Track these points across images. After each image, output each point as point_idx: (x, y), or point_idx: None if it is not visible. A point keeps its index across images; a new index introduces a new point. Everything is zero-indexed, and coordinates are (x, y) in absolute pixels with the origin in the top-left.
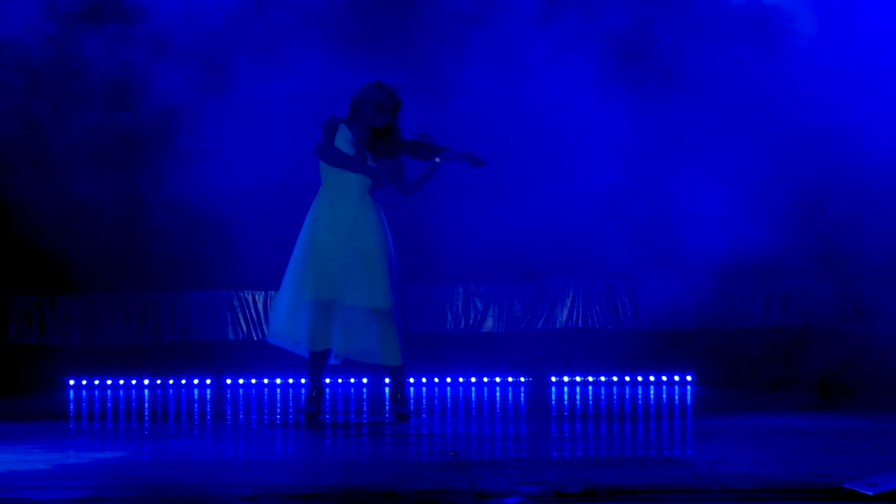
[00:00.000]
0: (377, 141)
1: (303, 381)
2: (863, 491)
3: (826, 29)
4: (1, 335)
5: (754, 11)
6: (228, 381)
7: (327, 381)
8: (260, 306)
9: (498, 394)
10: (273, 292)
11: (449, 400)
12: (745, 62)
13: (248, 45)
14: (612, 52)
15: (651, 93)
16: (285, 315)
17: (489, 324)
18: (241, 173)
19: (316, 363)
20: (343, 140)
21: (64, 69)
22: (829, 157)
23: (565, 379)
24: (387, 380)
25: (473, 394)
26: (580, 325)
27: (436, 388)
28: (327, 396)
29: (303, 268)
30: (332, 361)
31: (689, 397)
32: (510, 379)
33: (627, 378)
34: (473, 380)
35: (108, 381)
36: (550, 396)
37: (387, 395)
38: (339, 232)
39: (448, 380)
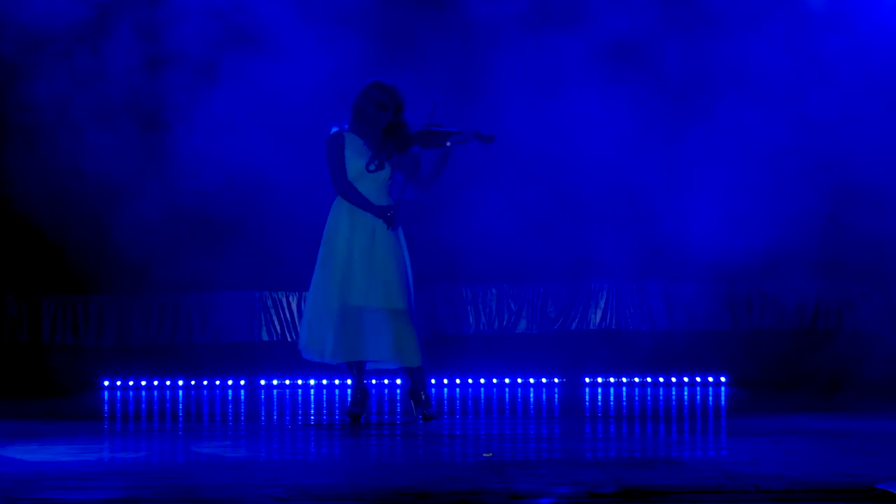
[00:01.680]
0: (387, 140)
1: (337, 381)
2: None
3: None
4: (34, 336)
5: None
6: (262, 383)
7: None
8: (294, 307)
9: (532, 395)
10: (307, 293)
11: (483, 401)
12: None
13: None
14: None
15: (678, 99)
16: (315, 327)
17: (523, 325)
18: (273, 174)
19: (354, 368)
20: (354, 149)
21: (97, 89)
22: (858, 151)
23: (599, 380)
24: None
25: (507, 395)
26: (614, 326)
27: (469, 389)
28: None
29: (327, 277)
30: (368, 367)
31: (722, 398)
32: (544, 380)
33: (661, 379)
34: (507, 381)
35: (143, 382)
36: (584, 397)
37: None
38: (357, 237)
39: (482, 381)
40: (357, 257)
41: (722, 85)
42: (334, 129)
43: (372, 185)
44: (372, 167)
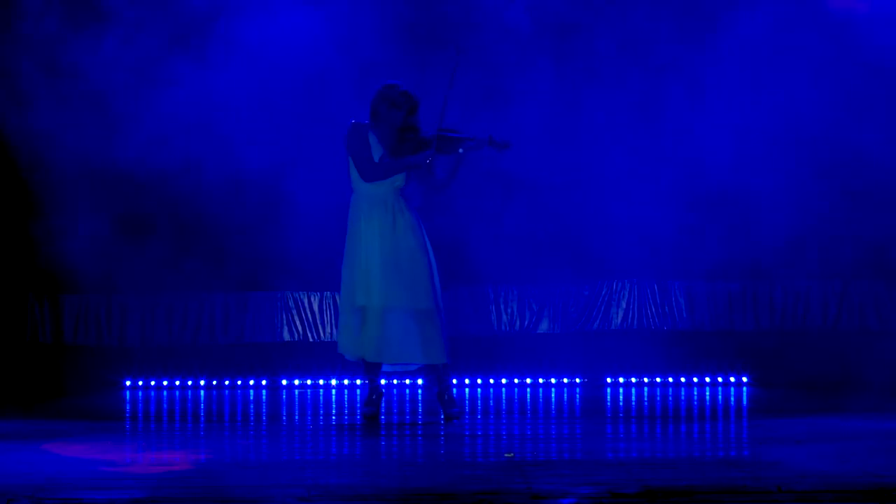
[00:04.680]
0: (402, 142)
1: (358, 382)
2: None
3: None
4: (57, 336)
5: None
6: (284, 383)
7: (383, 381)
8: (315, 307)
9: (553, 395)
10: (329, 293)
11: (504, 401)
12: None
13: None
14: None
15: (691, 94)
16: (344, 327)
17: (545, 325)
18: (294, 173)
19: (370, 366)
20: (371, 146)
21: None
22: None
23: (621, 380)
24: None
25: (529, 395)
26: (635, 326)
27: (491, 390)
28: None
29: (350, 278)
30: (386, 368)
31: (745, 399)
32: (565, 380)
33: (683, 379)
34: (529, 381)
35: (165, 383)
36: (606, 398)
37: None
38: (377, 237)
39: (503, 381)
40: (379, 256)
41: (736, 78)
42: (354, 122)
43: (388, 187)
44: (387, 161)
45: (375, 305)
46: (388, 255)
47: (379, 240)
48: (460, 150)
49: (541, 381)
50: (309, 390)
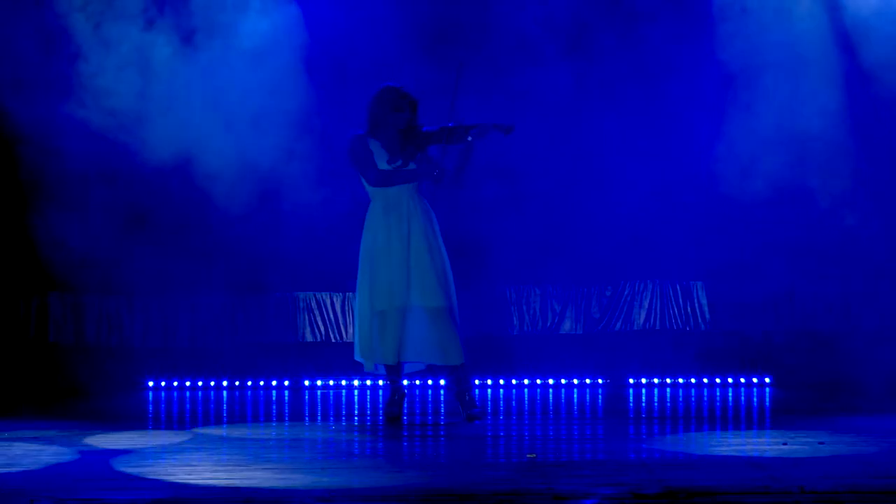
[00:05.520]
0: (406, 141)
1: (380, 382)
2: None
3: None
4: (79, 337)
5: None
6: (306, 383)
7: (405, 382)
8: (338, 308)
9: (575, 395)
10: (351, 294)
11: (526, 402)
12: None
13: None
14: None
15: (728, 95)
16: (360, 332)
17: (567, 325)
18: (319, 177)
19: (392, 368)
20: (375, 153)
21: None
22: None
23: (643, 381)
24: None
25: (550, 395)
26: (658, 326)
27: (513, 390)
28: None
29: (365, 281)
30: (407, 369)
31: (767, 399)
32: (587, 381)
33: (705, 380)
34: (551, 381)
35: (187, 383)
36: (628, 398)
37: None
38: (393, 237)
39: (525, 381)
40: (394, 258)
41: (761, 77)
42: (353, 134)
43: (402, 190)
44: (398, 163)
45: (394, 307)
46: (403, 256)
47: (396, 242)
48: (469, 139)
49: (563, 381)
50: (331, 391)
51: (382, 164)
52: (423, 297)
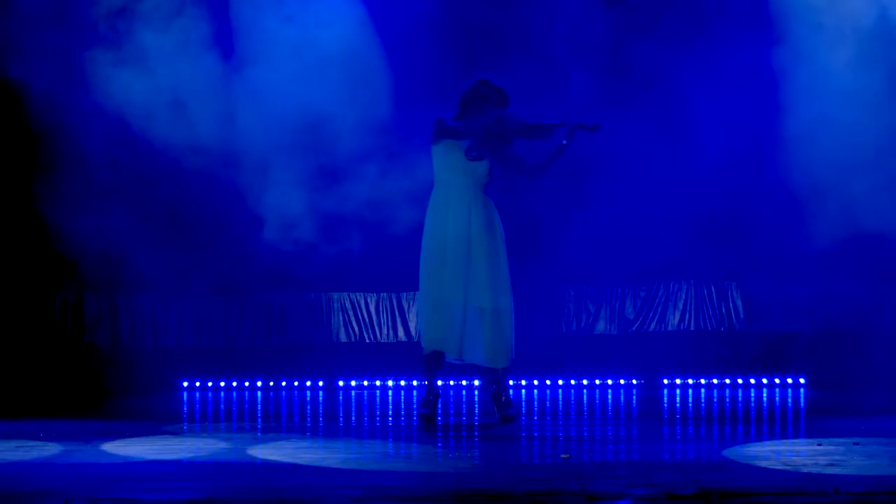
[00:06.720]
0: (490, 135)
1: (415, 383)
2: None
3: None
4: (114, 337)
5: None
6: (341, 384)
7: (439, 382)
8: (372, 309)
9: (609, 396)
10: (385, 294)
11: (560, 402)
12: None
13: None
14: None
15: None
16: (424, 320)
17: (601, 326)
18: (354, 175)
19: (430, 365)
20: (455, 141)
21: None
22: None
23: (677, 381)
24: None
25: (585, 396)
26: (692, 327)
27: (547, 391)
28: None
29: (425, 269)
30: (448, 360)
31: (801, 400)
32: (622, 381)
33: (740, 381)
34: (585, 382)
35: (221, 384)
36: (662, 399)
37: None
38: (453, 231)
39: (560, 382)
40: (453, 253)
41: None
42: (439, 117)
43: (469, 179)
44: (474, 154)
45: (451, 301)
46: (463, 250)
47: (455, 232)
48: (563, 142)
49: (597, 381)
50: (365, 391)
51: (459, 152)
52: (481, 297)
